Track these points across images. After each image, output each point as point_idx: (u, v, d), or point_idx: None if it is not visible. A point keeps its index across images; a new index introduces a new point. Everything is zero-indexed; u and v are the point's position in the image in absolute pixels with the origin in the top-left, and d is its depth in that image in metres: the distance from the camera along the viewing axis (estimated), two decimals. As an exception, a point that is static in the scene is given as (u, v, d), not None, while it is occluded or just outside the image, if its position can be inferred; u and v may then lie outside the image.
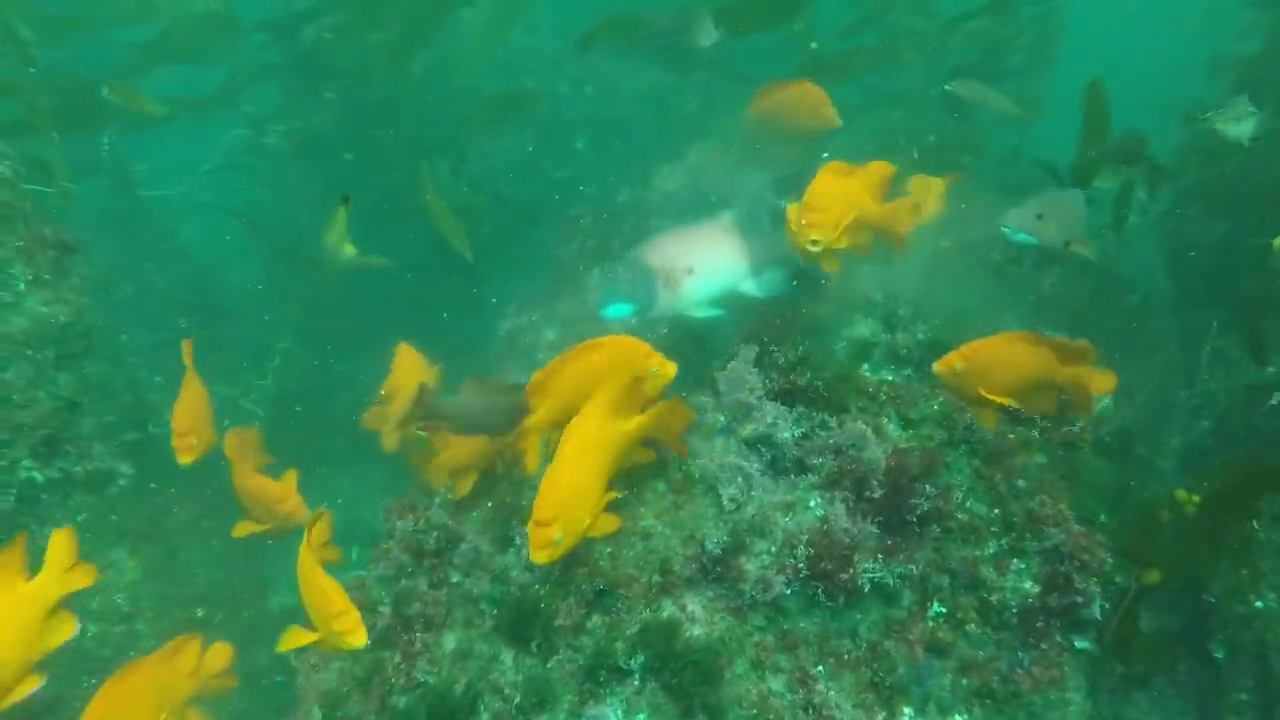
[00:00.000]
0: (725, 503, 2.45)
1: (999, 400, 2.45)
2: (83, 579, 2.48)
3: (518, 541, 2.51)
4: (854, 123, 4.04)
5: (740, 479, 2.47)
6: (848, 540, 2.34)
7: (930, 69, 6.42)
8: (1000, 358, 2.43)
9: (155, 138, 7.76)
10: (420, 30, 6.18)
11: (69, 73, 5.87)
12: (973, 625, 2.53)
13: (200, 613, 4.55)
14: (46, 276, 3.77)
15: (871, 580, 2.38)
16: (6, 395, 3.63)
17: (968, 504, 2.63)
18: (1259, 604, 3.97)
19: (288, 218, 7.07)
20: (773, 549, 2.39)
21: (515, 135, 6.88)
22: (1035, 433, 2.78)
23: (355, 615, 2.28)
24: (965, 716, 2.43)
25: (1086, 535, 2.56)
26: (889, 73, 6.59)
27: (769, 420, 2.50)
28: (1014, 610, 2.54)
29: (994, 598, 2.55)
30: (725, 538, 2.37)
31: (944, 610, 2.51)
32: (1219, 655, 4.26)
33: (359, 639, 2.27)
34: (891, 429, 2.73)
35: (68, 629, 2.40)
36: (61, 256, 3.82)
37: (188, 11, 6.44)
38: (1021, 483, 2.64)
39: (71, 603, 4.06)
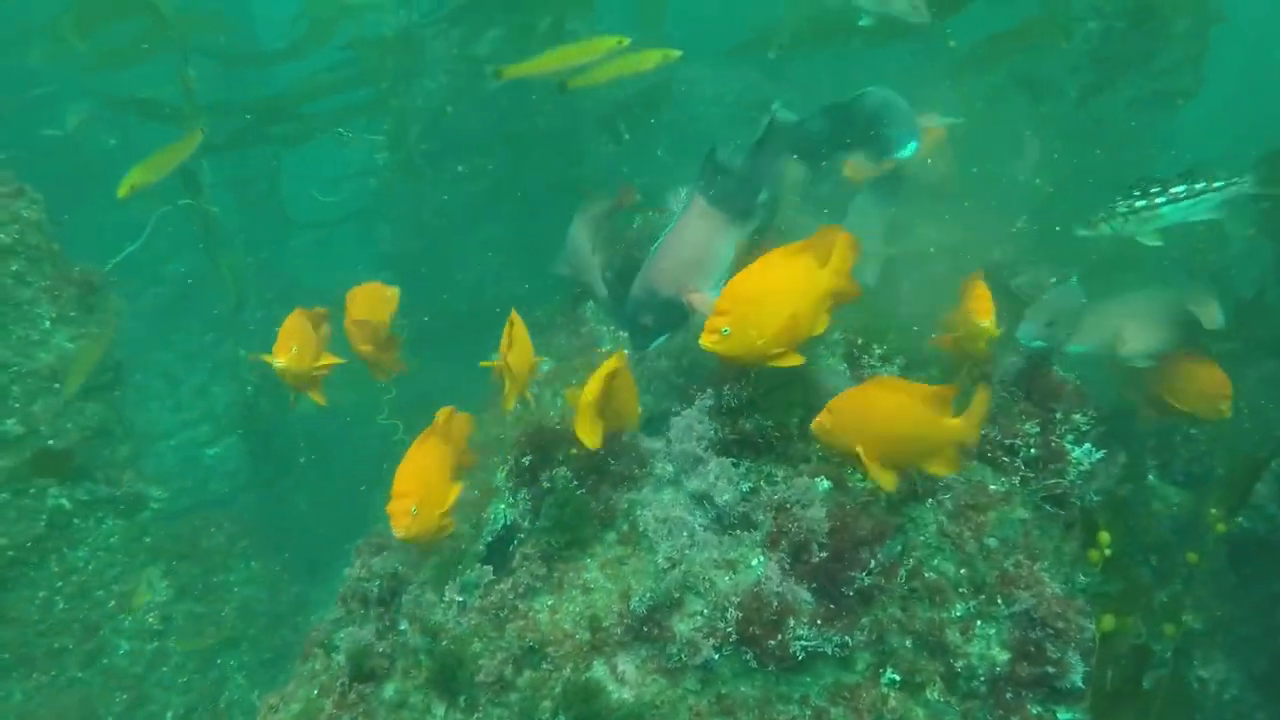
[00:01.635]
0: (661, 560, 2.35)
1: (870, 460, 2.17)
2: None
3: (447, 595, 2.47)
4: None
5: (684, 534, 2.37)
6: (777, 605, 2.21)
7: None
8: (869, 410, 2.15)
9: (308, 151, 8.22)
10: None
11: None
12: (934, 693, 2.35)
13: (231, 632, 4.71)
14: (72, 314, 3.97)
15: (805, 649, 2.23)
16: (34, 427, 3.84)
17: (934, 562, 2.45)
18: None
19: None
20: (704, 610, 2.28)
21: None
22: (1015, 482, 2.56)
23: (406, 504, 2.24)
24: (917, 797, 2.26)
25: (1063, 600, 2.34)
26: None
27: (711, 479, 2.38)
28: (982, 678, 2.35)
29: (959, 664, 2.36)
30: (652, 597, 2.27)
31: (898, 677, 2.33)
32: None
33: (396, 527, 2.25)
34: (857, 480, 2.57)
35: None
36: (87, 294, 4.01)
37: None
38: (993, 541, 2.44)
39: (105, 623, 4.30)
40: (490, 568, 2.51)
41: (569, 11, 6.42)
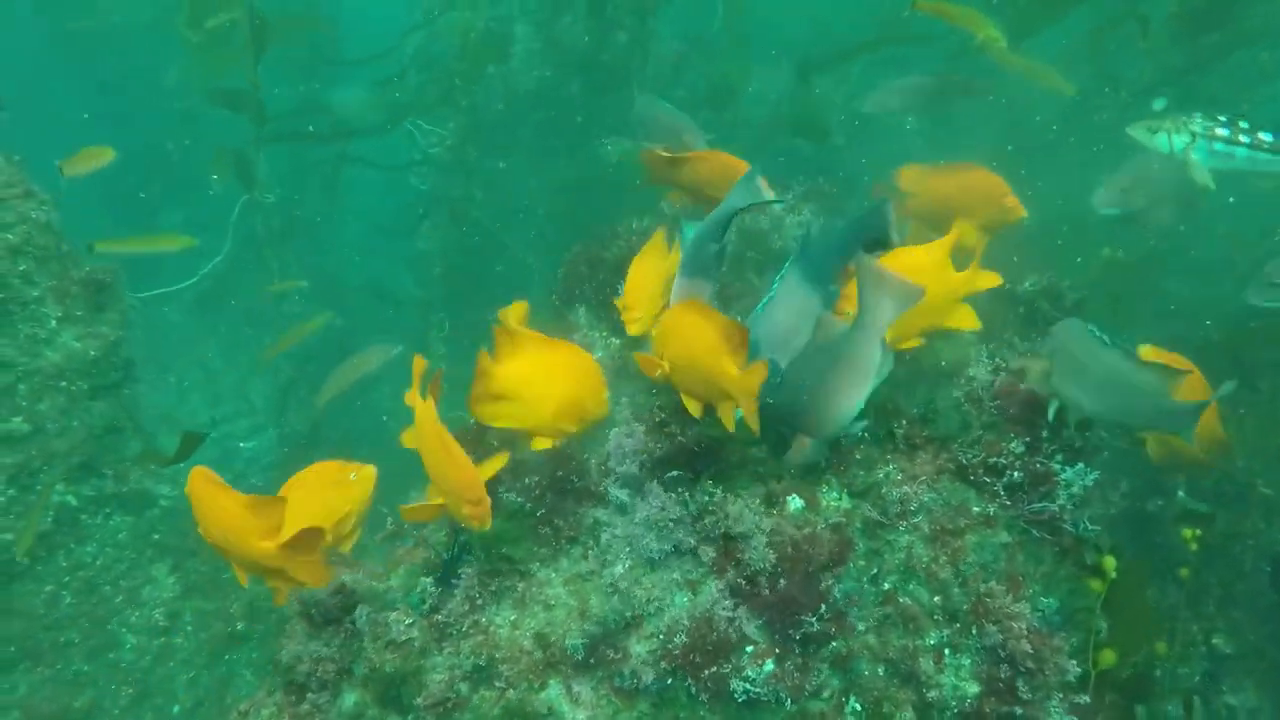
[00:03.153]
0: (614, 581, 2.27)
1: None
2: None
3: (397, 614, 2.43)
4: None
5: (638, 556, 2.29)
6: (717, 637, 2.12)
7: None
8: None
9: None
10: None
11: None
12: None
13: (240, 625, 4.74)
14: (79, 313, 4.03)
15: (747, 689, 2.13)
16: (40, 425, 3.91)
17: (909, 587, 2.33)
18: None
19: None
20: (653, 636, 2.20)
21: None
22: (993, 509, 2.42)
23: (488, 503, 2.17)
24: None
25: (1040, 636, 2.21)
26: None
27: (656, 505, 2.29)
28: (953, 711, 2.23)
29: (931, 695, 2.24)
30: (595, 625, 2.21)
31: (860, 707, 2.22)
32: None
33: (487, 524, 2.17)
34: (831, 499, 2.46)
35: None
36: (95, 294, 4.07)
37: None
38: (969, 566, 2.31)
39: (112, 619, 4.36)
40: (432, 582, 2.46)
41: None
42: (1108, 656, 2.59)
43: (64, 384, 3.99)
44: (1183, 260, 5.60)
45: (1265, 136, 3.05)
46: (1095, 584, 2.55)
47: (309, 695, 2.44)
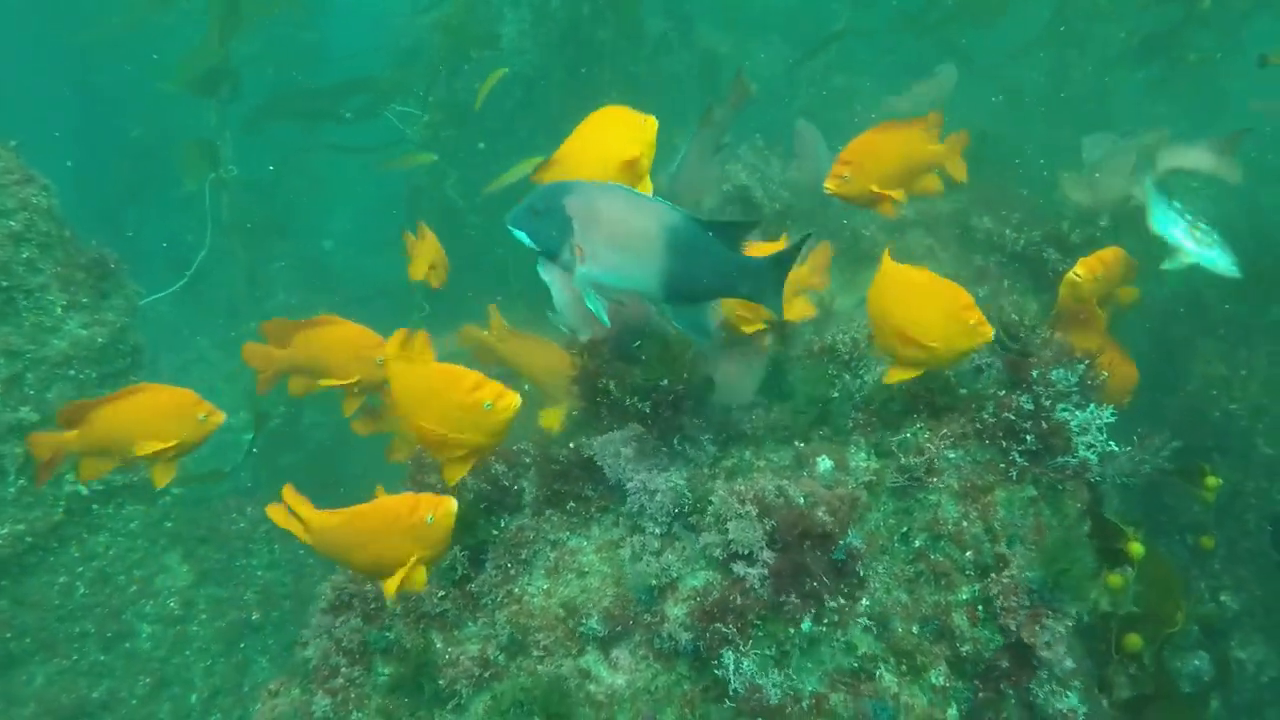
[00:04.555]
0: (635, 550, 2.28)
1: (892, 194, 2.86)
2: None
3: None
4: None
5: (662, 524, 2.30)
6: (753, 597, 2.13)
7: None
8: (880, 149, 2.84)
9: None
10: None
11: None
12: (937, 677, 2.25)
13: (255, 615, 4.73)
14: (84, 300, 3.99)
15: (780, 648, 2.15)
16: (49, 414, 3.87)
17: (940, 544, 2.35)
18: None
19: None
20: (689, 599, 2.20)
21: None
22: (1015, 460, 2.42)
23: (495, 383, 2.10)
24: (918, 783, 2.17)
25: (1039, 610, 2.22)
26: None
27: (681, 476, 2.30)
28: (985, 664, 2.25)
29: (964, 649, 2.26)
30: (630, 591, 2.21)
31: (895, 663, 2.24)
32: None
33: (513, 399, 2.11)
34: (860, 459, 2.47)
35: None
36: (100, 280, 4.03)
37: None
38: (999, 523, 2.32)
39: (127, 609, 4.34)
40: (462, 551, 2.46)
41: None
42: (1133, 641, 2.56)
43: (72, 372, 3.96)
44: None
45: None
46: (1114, 580, 2.49)
47: (342, 669, 2.43)
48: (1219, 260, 3.48)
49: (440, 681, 2.29)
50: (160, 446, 2.51)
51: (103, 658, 4.19)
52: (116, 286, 4.16)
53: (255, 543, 4.93)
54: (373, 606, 2.53)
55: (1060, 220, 4.05)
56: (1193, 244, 3.48)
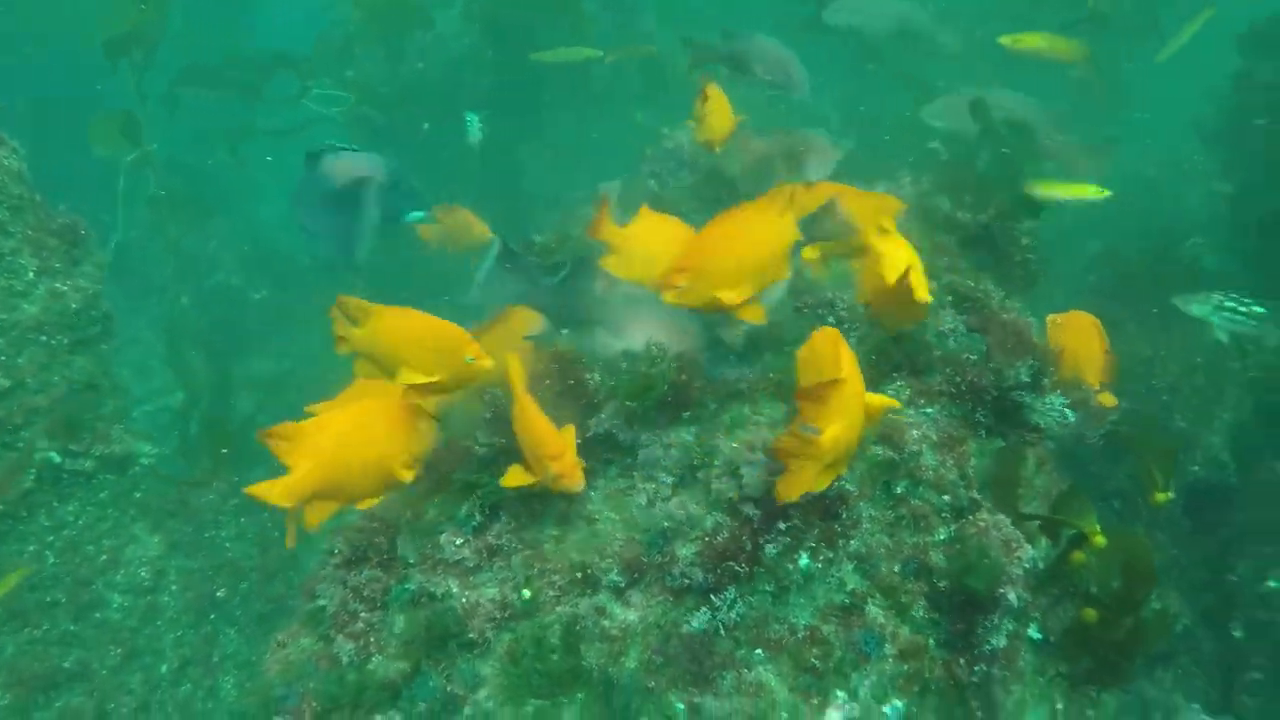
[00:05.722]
0: (650, 497, 2.46)
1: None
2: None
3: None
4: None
5: (675, 474, 2.48)
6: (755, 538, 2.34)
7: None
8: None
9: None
10: None
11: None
12: (919, 611, 2.49)
13: (221, 592, 4.75)
14: (57, 265, 3.96)
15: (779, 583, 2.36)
16: (20, 380, 3.84)
17: (919, 490, 2.58)
18: (1273, 584, 3.87)
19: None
20: (698, 539, 2.39)
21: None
22: (980, 420, 2.68)
23: (572, 457, 2.22)
24: (902, 702, 2.40)
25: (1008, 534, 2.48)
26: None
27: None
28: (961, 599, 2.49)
29: (943, 584, 2.50)
30: (641, 533, 2.39)
31: (881, 598, 2.46)
32: (1238, 634, 4.17)
33: (578, 483, 2.25)
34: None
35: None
36: (71, 246, 3.99)
37: None
38: (972, 469, 2.57)
39: (97, 579, 4.32)
40: (479, 502, 2.59)
41: None
42: (1089, 614, 2.70)
43: (44, 338, 3.92)
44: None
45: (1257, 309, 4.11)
46: (1078, 556, 2.63)
47: (361, 615, 2.54)
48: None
49: (462, 624, 2.42)
50: (421, 380, 2.27)
51: (73, 627, 4.17)
52: (87, 253, 4.12)
53: (224, 515, 4.94)
54: (386, 557, 2.65)
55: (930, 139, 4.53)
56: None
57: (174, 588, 4.56)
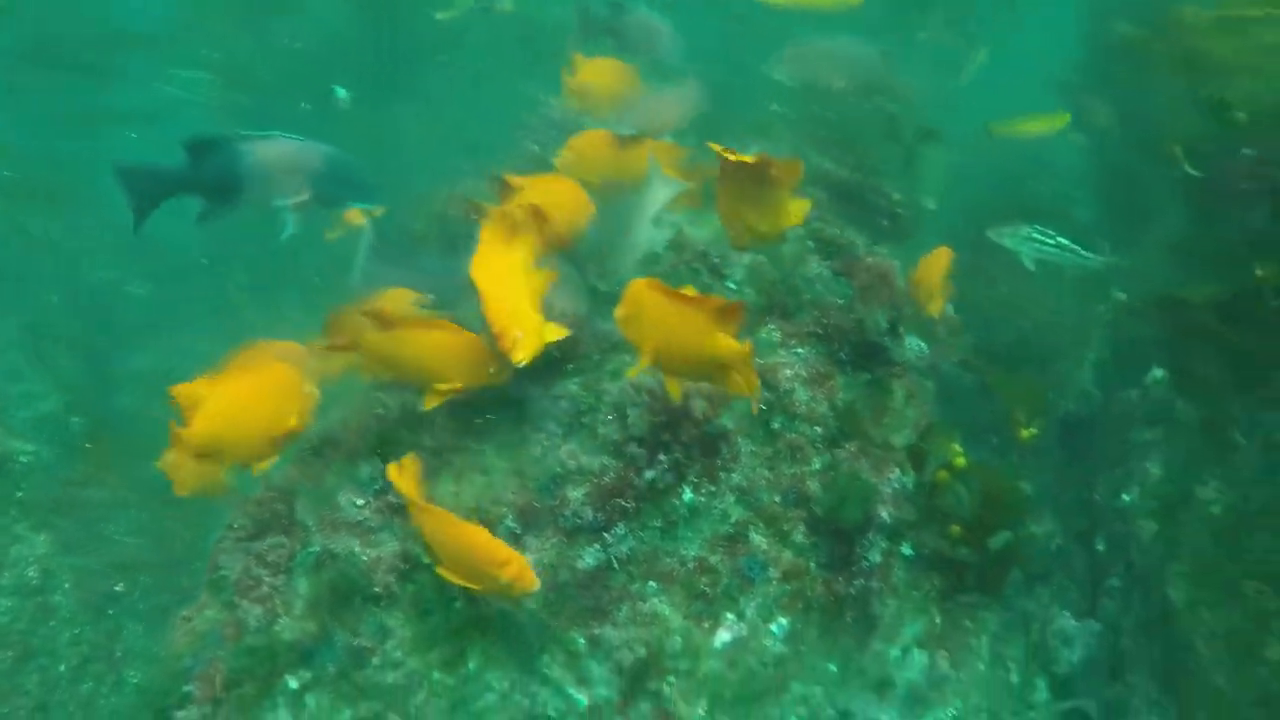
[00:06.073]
0: (544, 448, 2.58)
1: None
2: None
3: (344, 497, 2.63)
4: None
5: (564, 424, 2.61)
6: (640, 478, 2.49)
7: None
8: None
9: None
10: None
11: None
12: (799, 536, 2.68)
13: (119, 587, 4.66)
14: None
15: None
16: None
17: (795, 424, 2.77)
18: (1126, 498, 4.19)
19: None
20: (586, 482, 2.53)
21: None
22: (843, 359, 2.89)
23: (521, 560, 2.19)
24: (786, 620, 2.59)
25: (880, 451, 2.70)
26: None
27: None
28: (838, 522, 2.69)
29: (819, 509, 2.69)
30: (533, 481, 2.52)
31: (764, 527, 2.65)
32: (1101, 547, 4.51)
33: (534, 581, 2.20)
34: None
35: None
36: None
37: None
38: (841, 401, 2.78)
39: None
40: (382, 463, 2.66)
41: None
42: (955, 531, 2.91)
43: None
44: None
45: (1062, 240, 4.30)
46: (942, 475, 2.86)
47: (265, 580, 2.59)
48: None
49: (367, 579, 2.49)
50: (451, 389, 2.46)
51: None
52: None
53: (115, 511, 4.83)
54: (287, 523, 2.69)
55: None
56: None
57: (66, 586, 4.46)
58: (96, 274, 9.04)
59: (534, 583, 2.19)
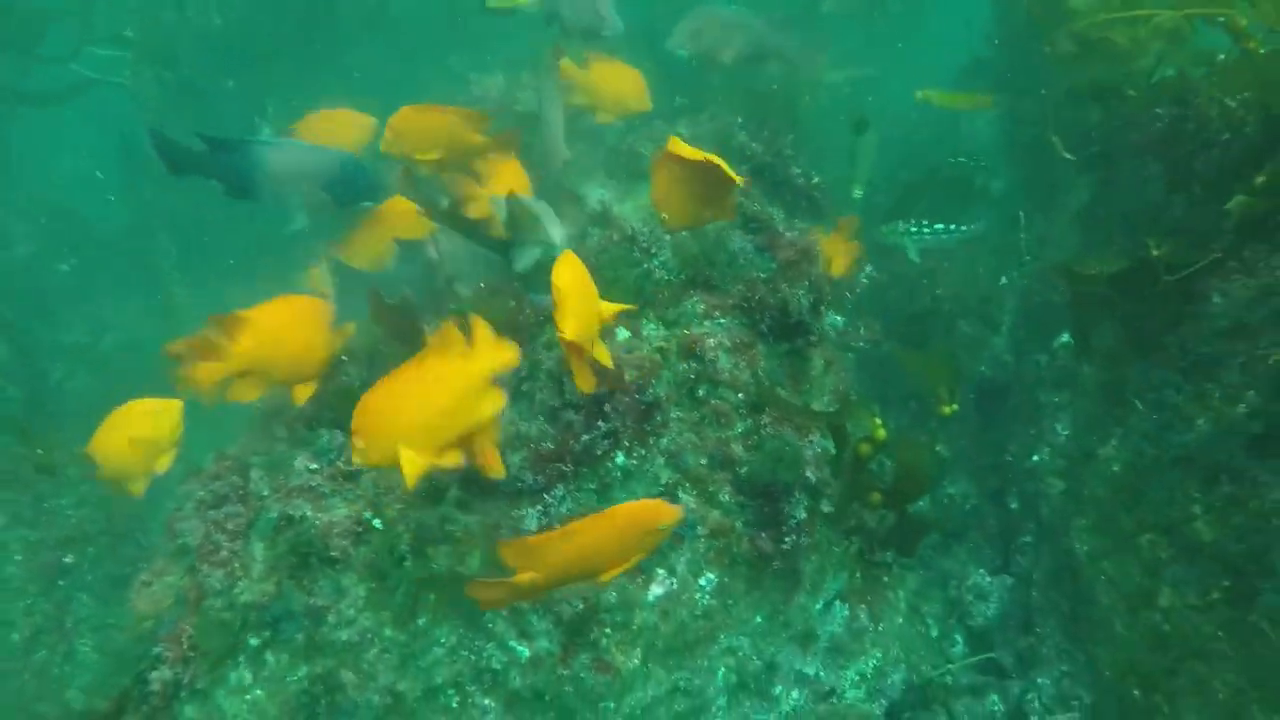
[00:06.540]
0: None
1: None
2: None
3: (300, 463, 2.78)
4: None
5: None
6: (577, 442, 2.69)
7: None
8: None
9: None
10: None
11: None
12: (725, 496, 2.90)
13: (69, 559, 4.73)
14: None
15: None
16: None
17: (719, 391, 2.98)
18: (1036, 458, 4.45)
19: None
20: (524, 447, 2.71)
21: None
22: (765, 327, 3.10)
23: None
24: (714, 574, 2.82)
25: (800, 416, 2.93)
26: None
27: None
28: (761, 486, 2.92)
29: (744, 471, 2.92)
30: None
31: (691, 488, 2.86)
32: (1013, 505, 4.78)
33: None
34: (650, 329, 3.04)
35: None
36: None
37: None
38: (762, 369, 2.99)
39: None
40: (340, 432, 2.82)
41: None
42: (876, 499, 3.16)
43: None
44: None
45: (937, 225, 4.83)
46: (864, 448, 3.03)
47: (225, 545, 2.73)
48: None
49: (322, 542, 2.65)
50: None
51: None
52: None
53: (62, 485, 4.88)
54: (243, 492, 2.84)
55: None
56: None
57: (17, 558, 4.53)
58: (16, 250, 8.87)
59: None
